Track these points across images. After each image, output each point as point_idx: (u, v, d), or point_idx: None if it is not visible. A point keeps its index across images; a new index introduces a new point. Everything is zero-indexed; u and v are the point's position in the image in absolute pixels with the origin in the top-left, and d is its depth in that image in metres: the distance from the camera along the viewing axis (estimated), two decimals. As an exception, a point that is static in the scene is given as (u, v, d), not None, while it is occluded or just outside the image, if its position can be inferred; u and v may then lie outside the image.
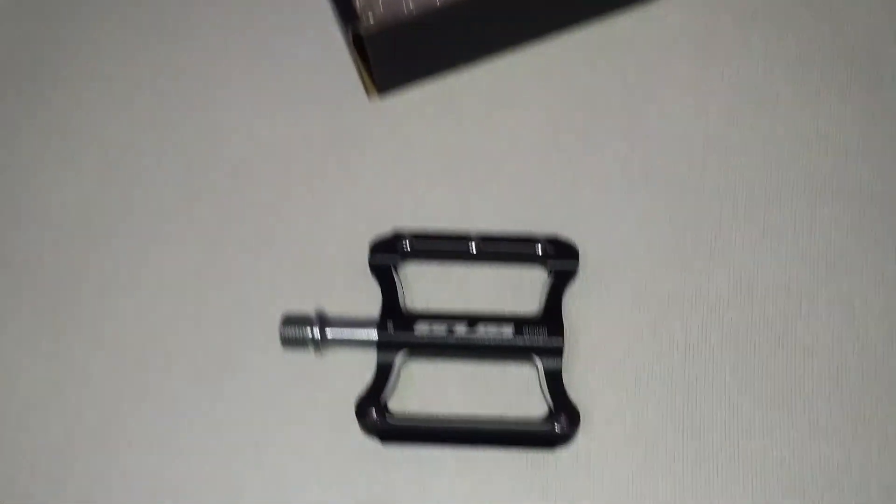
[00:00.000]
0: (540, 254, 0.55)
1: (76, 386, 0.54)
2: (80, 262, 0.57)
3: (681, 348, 0.53)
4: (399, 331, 0.52)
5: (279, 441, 0.52)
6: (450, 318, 0.53)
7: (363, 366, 0.53)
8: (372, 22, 0.54)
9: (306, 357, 0.54)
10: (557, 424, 0.51)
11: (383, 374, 0.52)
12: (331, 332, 0.53)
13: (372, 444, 0.52)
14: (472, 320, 0.53)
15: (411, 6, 0.54)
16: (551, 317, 0.53)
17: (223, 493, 0.51)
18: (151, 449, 0.52)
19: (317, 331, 0.53)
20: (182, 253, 0.57)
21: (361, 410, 0.51)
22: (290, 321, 0.53)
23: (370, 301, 0.55)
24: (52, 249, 0.57)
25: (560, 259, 0.55)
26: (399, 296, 0.54)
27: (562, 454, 0.52)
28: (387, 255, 0.55)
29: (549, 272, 0.54)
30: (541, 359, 0.52)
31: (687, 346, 0.53)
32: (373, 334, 0.53)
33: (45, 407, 0.54)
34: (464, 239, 0.55)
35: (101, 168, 0.60)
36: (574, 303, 0.55)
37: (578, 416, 0.51)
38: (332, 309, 0.55)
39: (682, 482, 0.51)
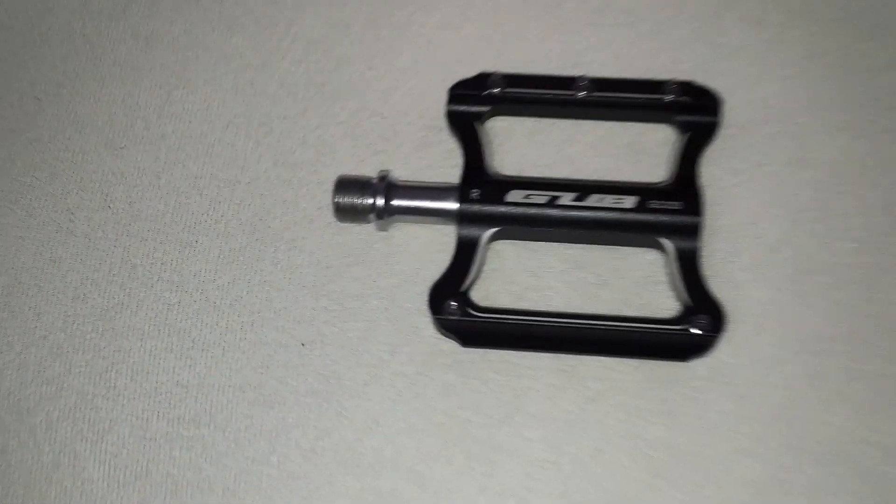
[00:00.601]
0: (670, 103, 0.41)
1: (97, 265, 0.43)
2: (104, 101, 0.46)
3: (856, 230, 0.40)
4: (486, 200, 0.40)
5: (331, 339, 0.41)
6: (552, 186, 0.40)
7: (439, 245, 0.42)
8: None
9: (366, 232, 0.43)
10: (694, 326, 0.38)
11: (465, 257, 0.40)
12: (398, 201, 0.41)
13: (449, 346, 0.41)
14: (582, 189, 0.40)
15: None
16: (685, 187, 0.40)
17: (263, 397, 0.41)
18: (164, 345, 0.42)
19: (380, 199, 0.41)
20: (211, 94, 0.45)
21: (437, 302, 0.40)
22: (346, 186, 0.41)
23: (449, 163, 0.43)
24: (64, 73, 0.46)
25: (696, 111, 0.41)
26: (485, 156, 0.42)
27: (697, 366, 0.40)
28: (471, 103, 0.43)
29: (682, 129, 0.42)
30: (672, 240, 0.40)
31: (865, 229, 0.40)
32: (452, 204, 0.41)
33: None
34: (570, 82, 0.42)
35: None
36: (713, 170, 0.42)
37: (722, 316, 0.39)
38: (400, 172, 0.43)
39: (857, 407, 0.39)
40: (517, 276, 0.41)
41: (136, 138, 0.45)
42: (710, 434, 0.39)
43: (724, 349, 0.40)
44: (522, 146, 0.43)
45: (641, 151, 0.43)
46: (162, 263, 0.43)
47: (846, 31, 0.43)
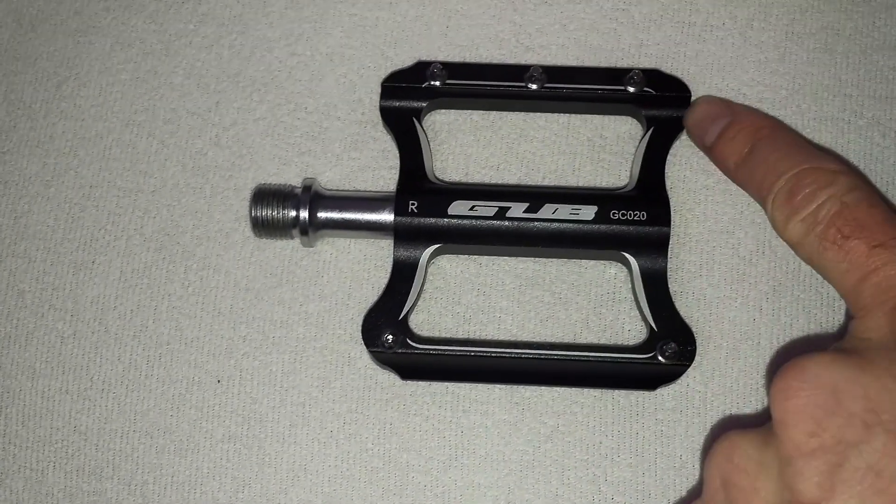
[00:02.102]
0: (633, 96, 0.36)
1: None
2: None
3: (841, 240, 0.36)
4: (425, 213, 0.35)
5: (252, 374, 0.36)
6: (501, 195, 0.35)
7: (374, 261, 0.37)
8: None
9: (291, 248, 0.37)
10: (661, 352, 0.34)
11: (403, 279, 0.35)
12: (325, 213, 0.36)
13: (388, 378, 0.36)
14: (535, 198, 0.35)
15: None
16: (650, 193, 0.35)
17: (173, 444, 0.36)
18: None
19: (304, 211, 0.35)
20: (107, 87, 0.39)
21: (371, 333, 0.35)
22: (264, 197, 0.36)
23: (385, 164, 0.38)
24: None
25: (662, 105, 0.37)
26: (425, 160, 0.36)
27: (664, 396, 0.35)
28: (408, 97, 0.37)
29: (647, 124, 0.37)
30: (636, 256, 0.35)
31: (852, 238, 0.36)
32: (387, 216, 0.35)
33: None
34: (521, 72, 0.37)
35: None
36: (681, 170, 0.37)
37: (693, 341, 0.34)
38: (330, 175, 0.38)
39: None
40: (463, 295, 0.37)
41: (20, 141, 0.39)
42: (680, 473, 0.35)
43: (693, 375, 0.35)
44: (467, 144, 0.38)
45: (602, 148, 0.38)
46: (53, 289, 0.37)
47: (831, 8, 0.38)
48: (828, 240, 0.29)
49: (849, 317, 0.31)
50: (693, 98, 0.37)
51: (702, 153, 0.37)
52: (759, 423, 0.29)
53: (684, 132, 0.37)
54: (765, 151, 0.33)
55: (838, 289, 0.30)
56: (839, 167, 0.31)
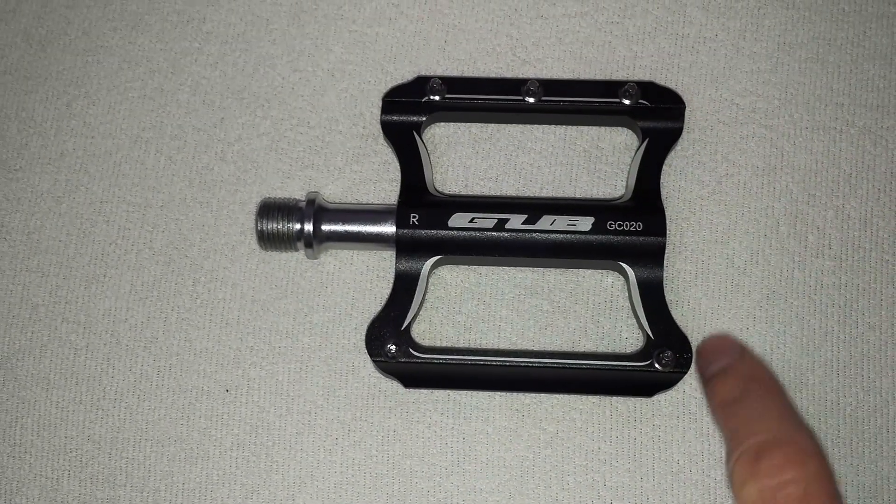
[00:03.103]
0: (628, 108, 0.37)
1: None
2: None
3: (834, 247, 0.37)
4: (426, 225, 0.36)
5: (259, 383, 0.37)
6: (500, 207, 0.36)
7: (377, 272, 0.38)
8: None
9: (295, 261, 0.38)
10: (658, 359, 0.35)
11: (405, 289, 0.36)
12: (328, 226, 0.37)
13: (391, 386, 0.37)
14: (533, 209, 0.36)
15: None
16: (646, 204, 0.36)
17: (184, 452, 0.37)
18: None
19: (308, 224, 0.36)
20: (116, 105, 0.40)
21: (375, 343, 0.36)
22: (269, 211, 0.37)
23: (386, 176, 0.39)
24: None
25: (657, 116, 0.37)
26: (426, 172, 0.37)
27: (661, 402, 0.36)
28: (408, 111, 0.38)
29: (642, 136, 0.37)
30: (633, 266, 0.36)
31: (844, 245, 0.37)
32: (389, 228, 0.36)
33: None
34: (518, 85, 0.38)
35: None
36: (676, 180, 0.38)
37: (689, 349, 0.35)
38: (332, 188, 0.38)
39: (834, 444, 0.36)
40: (464, 304, 0.37)
41: (31, 158, 0.40)
42: (677, 478, 0.35)
43: (690, 381, 0.36)
44: (466, 156, 0.39)
45: (599, 159, 0.38)
46: (66, 302, 0.38)
47: (823, 19, 0.39)
48: None
49: None
50: (686, 109, 0.37)
51: (696, 164, 0.38)
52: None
53: (680, 143, 0.38)
54: (750, 403, 0.32)
55: None
56: (813, 447, 0.30)
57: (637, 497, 0.35)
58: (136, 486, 0.37)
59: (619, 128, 0.39)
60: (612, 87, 0.38)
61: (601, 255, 0.36)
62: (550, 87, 0.38)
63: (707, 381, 0.34)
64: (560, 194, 0.38)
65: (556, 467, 0.36)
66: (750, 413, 0.31)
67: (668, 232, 0.36)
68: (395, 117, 0.38)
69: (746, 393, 0.32)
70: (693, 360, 0.35)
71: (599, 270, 0.37)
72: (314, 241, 0.37)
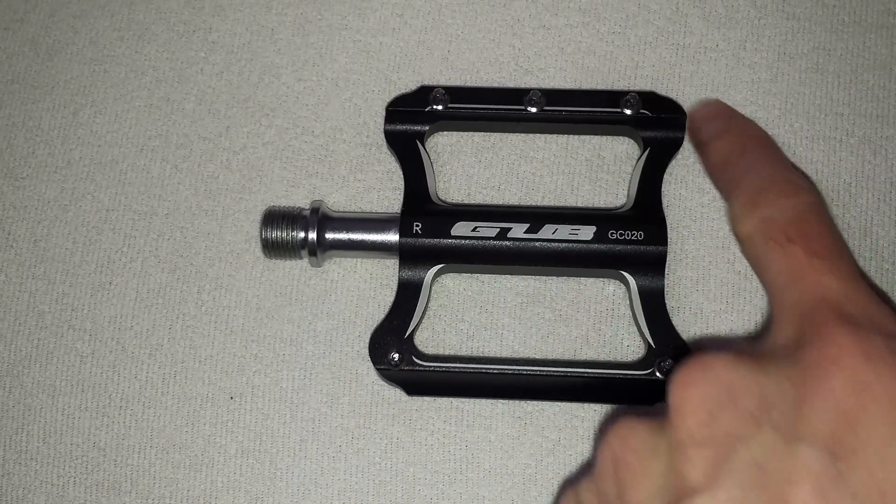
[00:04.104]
0: (630, 118, 0.38)
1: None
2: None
3: (834, 256, 0.37)
4: (429, 234, 0.36)
5: (263, 391, 0.37)
6: (502, 216, 0.36)
7: (380, 280, 0.38)
8: None
9: (299, 268, 0.39)
10: (659, 368, 0.35)
11: (408, 298, 0.36)
12: (332, 234, 0.37)
13: (394, 394, 0.37)
14: (535, 218, 0.36)
15: None
16: (647, 212, 0.36)
17: (189, 459, 0.37)
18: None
19: (312, 233, 0.37)
20: (122, 114, 0.40)
21: (378, 351, 0.36)
22: (273, 219, 0.37)
23: (389, 185, 0.39)
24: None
25: (658, 126, 0.38)
26: (429, 181, 0.38)
27: (662, 410, 0.36)
28: (411, 121, 0.38)
29: (643, 145, 0.38)
30: (634, 275, 0.36)
31: (844, 254, 0.37)
32: (392, 236, 0.37)
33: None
34: (520, 95, 0.38)
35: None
36: (677, 188, 0.38)
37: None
38: (336, 197, 0.39)
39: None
40: (466, 312, 0.38)
41: (38, 166, 0.40)
42: (679, 485, 0.36)
43: (692, 389, 0.36)
44: (469, 165, 0.39)
45: (600, 168, 0.39)
46: (73, 309, 0.39)
47: (823, 30, 0.39)
48: (773, 239, 0.30)
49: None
50: (687, 118, 0.38)
51: (697, 173, 0.38)
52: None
53: (680, 152, 0.38)
54: (746, 158, 0.34)
55: (769, 288, 0.31)
56: (808, 184, 0.32)
57: (639, 504, 0.36)
58: (142, 492, 0.37)
59: (621, 137, 0.39)
60: (613, 97, 0.38)
61: (603, 264, 0.36)
62: (552, 96, 0.38)
63: (702, 145, 0.37)
64: (562, 203, 0.38)
65: (558, 475, 0.36)
66: (747, 165, 0.34)
67: (669, 239, 0.36)
68: (398, 127, 0.38)
69: (742, 150, 0.35)
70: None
71: (601, 279, 0.38)
72: (318, 250, 0.37)
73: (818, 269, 0.29)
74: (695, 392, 0.27)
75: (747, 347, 0.29)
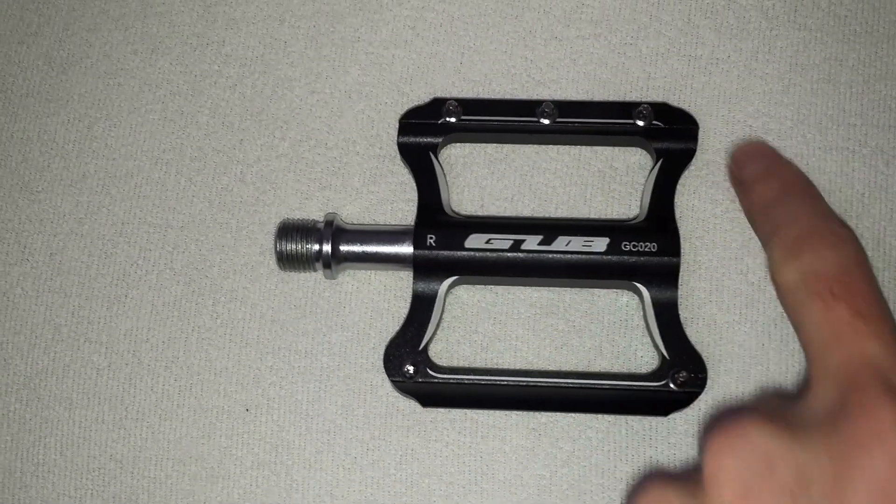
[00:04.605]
0: (642, 129, 0.38)
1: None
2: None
3: (847, 266, 0.37)
4: (443, 246, 0.36)
5: (279, 403, 0.38)
6: (516, 228, 0.37)
7: (394, 292, 0.39)
8: None
9: (314, 280, 0.39)
10: (673, 380, 0.35)
11: (422, 310, 0.37)
12: (346, 247, 0.37)
13: (408, 405, 0.37)
14: (548, 230, 0.36)
15: None
16: (660, 224, 0.37)
17: (205, 471, 0.37)
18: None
19: (327, 245, 0.37)
20: (137, 127, 0.41)
21: (393, 363, 0.36)
22: (288, 232, 0.37)
23: (403, 196, 0.39)
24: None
25: (671, 137, 0.38)
26: (442, 193, 0.38)
27: (676, 420, 0.37)
28: (424, 133, 0.38)
29: (656, 156, 0.38)
30: (647, 286, 0.36)
31: (857, 264, 0.37)
32: (406, 249, 0.37)
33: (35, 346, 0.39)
34: (533, 107, 0.38)
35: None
36: (690, 199, 0.38)
37: (704, 369, 0.36)
38: (350, 209, 0.39)
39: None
40: (480, 324, 0.38)
41: (53, 180, 0.41)
42: (693, 496, 0.36)
43: (705, 399, 0.36)
44: (482, 176, 0.39)
45: (613, 179, 0.39)
46: (89, 322, 0.39)
47: (835, 40, 0.39)
48: (817, 293, 0.29)
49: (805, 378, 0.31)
50: (699, 129, 0.38)
51: (710, 184, 0.38)
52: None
53: (693, 163, 0.38)
54: (790, 202, 0.33)
55: (807, 344, 0.30)
56: (850, 235, 0.31)
57: (653, 515, 0.36)
58: (158, 504, 0.37)
59: (633, 148, 0.39)
60: (625, 109, 0.38)
61: (616, 276, 0.36)
62: (565, 108, 0.38)
63: (743, 185, 0.36)
64: (574, 214, 0.39)
65: (572, 486, 0.36)
66: (789, 211, 0.33)
67: (682, 250, 0.37)
68: (411, 139, 0.39)
69: (784, 195, 0.34)
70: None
71: (614, 290, 0.38)
72: (332, 262, 0.37)
73: (862, 331, 0.28)
74: (731, 461, 0.26)
75: (782, 407, 0.28)
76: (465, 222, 0.37)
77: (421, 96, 0.40)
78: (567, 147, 0.39)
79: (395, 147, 0.39)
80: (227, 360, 0.38)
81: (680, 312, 0.36)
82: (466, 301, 0.38)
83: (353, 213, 0.39)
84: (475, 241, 0.36)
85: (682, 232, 0.37)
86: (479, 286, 0.38)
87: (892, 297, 0.37)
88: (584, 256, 0.36)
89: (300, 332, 0.38)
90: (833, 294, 0.29)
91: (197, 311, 0.39)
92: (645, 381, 0.35)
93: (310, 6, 0.41)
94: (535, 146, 0.40)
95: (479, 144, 0.40)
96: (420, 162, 0.38)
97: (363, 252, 0.37)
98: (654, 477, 0.29)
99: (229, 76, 0.41)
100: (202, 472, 0.37)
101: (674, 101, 0.39)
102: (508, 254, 0.36)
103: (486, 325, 0.38)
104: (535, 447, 0.37)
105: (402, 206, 0.39)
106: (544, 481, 0.36)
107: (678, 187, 0.38)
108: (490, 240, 0.36)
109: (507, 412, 0.37)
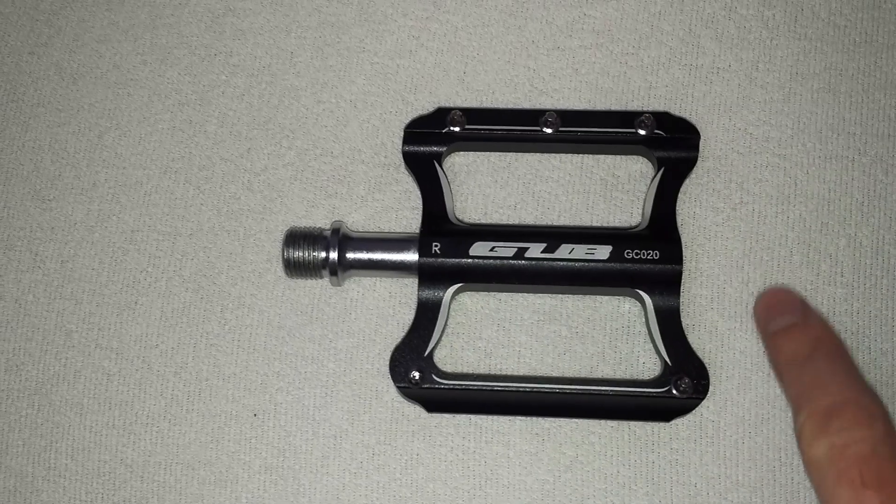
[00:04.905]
0: (644, 138, 0.38)
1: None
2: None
3: (846, 274, 0.38)
4: (448, 254, 0.37)
5: (286, 408, 0.38)
6: (520, 236, 0.37)
7: (399, 298, 0.39)
8: None
9: (320, 287, 0.39)
10: (676, 386, 0.36)
11: (427, 317, 0.37)
12: (353, 254, 0.38)
13: (414, 411, 0.38)
14: (552, 238, 0.37)
15: None
16: (662, 232, 0.37)
17: (214, 475, 0.38)
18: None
19: (334, 253, 0.37)
20: (146, 136, 0.41)
21: (399, 369, 0.37)
22: (295, 240, 0.38)
23: (407, 204, 0.40)
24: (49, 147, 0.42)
25: (672, 146, 0.38)
26: (447, 201, 0.38)
27: (679, 426, 0.37)
28: (429, 142, 0.39)
29: (658, 164, 0.38)
30: (650, 293, 0.37)
31: (855, 273, 0.38)
32: (411, 256, 0.37)
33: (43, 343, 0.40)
34: (536, 116, 0.39)
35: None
36: (691, 207, 0.39)
37: (706, 375, 0.36)
38: (355, 217, 0.40)
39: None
40: (484, 330, 0.38)
41: (65, 188, 0.41)
42: (694, 501, 0.36)
43: (707, 405, 0.37)
44: (485, 185, 0.40)
45: (615, 187, 0.39)
46: (99, 328, 0.40)
47: (835, 50, 0.40)
48: (846, 477, 0.29)
49: None
50: (700, 138, 0.38)
51: (711, 192, 0.39)
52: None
53: (694, 172, 0.39)
54: (819, 364, 0.33)
55: None
56: (880, 411, 0.31)
57: (655, 520, 0.36)
58: (168, 508, 0.38)
59: (635, 157, 0.40)
60: (627, 118, 0.39)
61: (619, 283, 0.37)
62: (568, 117, 0.39)
63: (770, 338, 0.35)
64: (577, 222, 0.39)
65: (576, 491, 0.37)
66: (818, 374, 0.32)
67: (683, 258, 0.37)
68: (416, 147, 0.39)
69: (813, 353, 0.33)
70: (708, 385, 0.36)
71: (616, 297, 0.38)
72: (339, 269, 0.38)
73: None
74: None
75: None
76: (469, 230, 0.38)
77: (425, 106, 0.40)
78: (569, 156, 0.40)
79: (400, 156, 0.40)
80: (235, 365, 0.39)
81: (682, 319, 0.37)
82: (470, 308, 0.39)
83: (358, 221, 0.40)
84: (480, 248, 0.37)
85: (683, 240, 0.38)
86: (482, 293, 0.39)
87: (894, 306, 0.37)
88: (587, 264, 0.37)
89: (307, 339, 0.39)
90: (863, 480, 0.29)
91: (205, 318, 0.39)
92: (648, 387, 0.36)
93: (315, 17, 0.42)
94: (538, 155, 0.40)
95: (482, 153, 0.40)
96: (424, 170, 0.39)
97: (369, 259, 0.38)
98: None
99: (237, 86, 0.42)
100: (211, 477, 0.38)
101: (675, 111, 0.39)
102: (512, 261, 0.37)
103: (489, 332, 0.38)
104: (538, 452, 0.37)
105: (406, 215, 0.40)
106: (548, 486, 0.37)
107: (679, 195, 0.38)
108: (494, 247, 0.37)
109: (511, 418, 0.37)
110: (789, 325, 0.34)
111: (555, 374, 0.38)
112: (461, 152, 0.40)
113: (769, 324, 0.35)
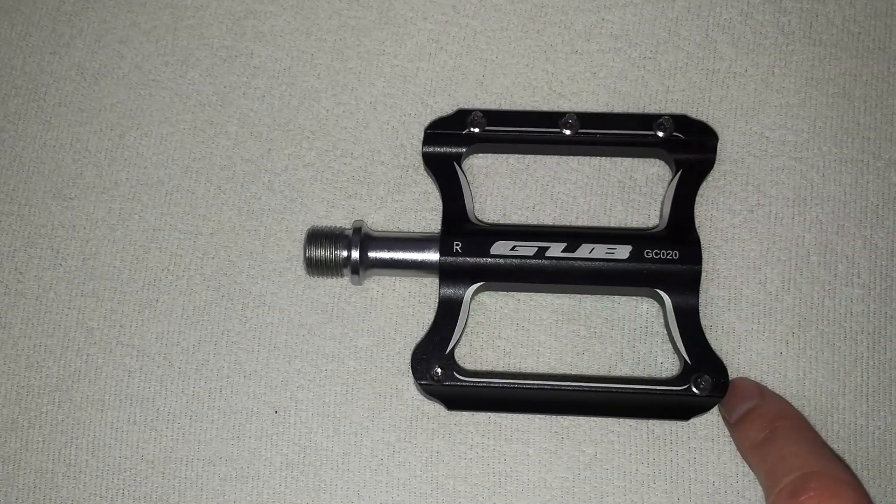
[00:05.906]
0: (662, 140, 0.39)
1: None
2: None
3: (863, 275, 0.38)
4: (469, 253, 0.37)
5: (307, 405, 0.38)
6: (540, 235, 0.38)
7: (419, 298, 0.39)
8: None
9: (341, 286, 0.40)
10: (696, 384, 0.36)
11: (448, 315, 0.37)
12: (374, 253, 0.38)
13: (434, 409, 0.38)
14: (572, 238, 0.37)
15: None
16: (681, 233, 0.38)
17: (235, 471, 0.38)
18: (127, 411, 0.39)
19: (355, 252, 0.38)
20: (167, 136, 0.42)
21: (420, 366, 0.37)
22: (317, 239, 0.38)
23: (427, 206, 0.40)
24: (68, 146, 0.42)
25: (690, 149, 0.39)
26: (467, 202, 0.39)
27: (697, 425, 0.37)
28: (449, 143, 0.39)
29: (676, 167, 0.39)
30: (669, 293, 0.37)
31: (872, 274, 0.38)
32: (432, 256, 0.38)
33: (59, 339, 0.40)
34: (555, 118, 0.39)
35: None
36: (708, 210, 0.39)
37: (725, 374, 0.36)
38: (375, 217, 0.40)
39: (864, 467, 0.37)
40: (504, 329, 0.39)
41: (86, 187, 0.41)
42: (713, 499, 0.37)
43: (725, 405, 0.37)
44: (505, 186, 0.40)
45: (633, 189, 0.40)
46: (121, 326, 0.40)
47: (849, 56, 0.40)
48: None
49: None
50: (719, 142, 0.39)
51: (728, 194, 0.39)
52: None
53: (711, 174, 0.39)
54: (780, 442, 0.33)
55: None
56: (848, 478, 0.31)
57: (675, 517, 0.37)
58: (189, 504, 0.38)
59: (653, 159, 0.40)
60: (646, 121, 0.39)
61: (638, 283, 0.37)
62: (587, 120, 0.39)
63: (733, 427, 0.36)
64: (595, 223, 0.40)
65: (595, 488, 0.37)
66: (781, 451, 0.32)
67: (701, 261, 0.37)
68: (436, 149, 0.40)
69: (774, 432, 0.33)
70: (728, 386, 0.36)
71: (634, 297, 0.39)
72: (360, 268, 0.38)
73: None
74: None
75: None
76: (490, 230, 0.38)
77: (444, 108, 0.41)
78: (588, 158, 0.40)
79: (419, 157, 0.40)
80: (256, 363, 0.39)
81: (700, 319, 0.37)
82: (490, 307, 0.39)
83: (377, 222, 0.40)
84: (500, 248, 0.37)
85: (701, 240, 0.38)
86: (502, 293, 0.39)
87: (906, 306, 0.38)
88: (607, 264, 0.37)
89: (327, 337, 0.39)
90: None
91: (226, 316, 0.40)
92: (667, 385, 0.36)
93: (336, 20, 0.42)
94: (557, 157, 0.40)
95: (502, 155, 0.41)
96: (444, 171, 0.39)
97: (391, 258, 0.38)
98: None
99: (257, 87, 0.42)
100: (232, 473, 0.38)
101: (692, 114, 0.40)
102: (533, 260, 0.37)
103: (509, 332, 0.39)
104: (558, 450, 0.37)
105: (425, 215, 0.40)
106: (567, 484, 0.37)
107: (697, 197, 0.39)
108: (515, 247, 0.37)
109: (531, 416, 0.38)
110: (748, 410, 0.35)
111: (574, 373, 0.38)
112: (481, 154, 0.41)
113: (731, 414, 0.36)
